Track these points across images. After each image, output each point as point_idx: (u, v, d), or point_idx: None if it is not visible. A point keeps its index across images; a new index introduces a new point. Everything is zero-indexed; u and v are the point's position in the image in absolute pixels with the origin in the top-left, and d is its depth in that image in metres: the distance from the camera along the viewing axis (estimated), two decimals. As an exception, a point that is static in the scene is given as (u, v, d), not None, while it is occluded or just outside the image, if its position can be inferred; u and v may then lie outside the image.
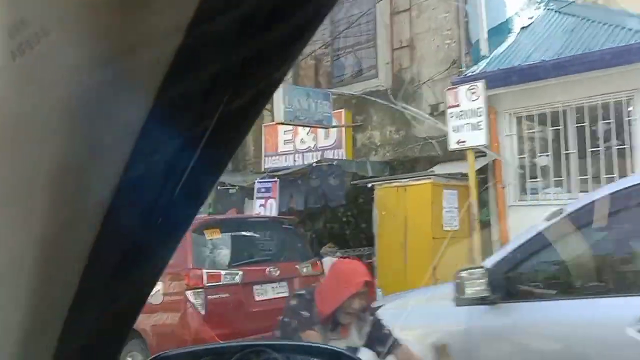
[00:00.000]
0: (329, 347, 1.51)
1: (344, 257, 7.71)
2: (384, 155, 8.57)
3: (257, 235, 6.40)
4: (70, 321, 0.47)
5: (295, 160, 9.81)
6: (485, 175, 7.54)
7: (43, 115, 0.37)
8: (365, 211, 8.33)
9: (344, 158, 8.73)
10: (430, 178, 6.53)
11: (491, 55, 7.52)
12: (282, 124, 7.93)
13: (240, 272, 5.75)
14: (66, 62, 0.34)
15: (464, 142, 6.23)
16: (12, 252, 0.44)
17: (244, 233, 6.27)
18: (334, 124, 8.71)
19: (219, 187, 9.54)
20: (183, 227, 0.52)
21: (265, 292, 5.98)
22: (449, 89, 6.38)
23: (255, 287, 5.89)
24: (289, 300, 2.73)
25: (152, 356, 1.01)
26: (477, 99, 6.13)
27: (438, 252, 6.52)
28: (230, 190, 9.47)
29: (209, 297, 5.48)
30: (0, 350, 0.48)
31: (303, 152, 9.69)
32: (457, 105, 6.26)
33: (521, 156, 7.39)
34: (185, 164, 0.43)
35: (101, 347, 0.54)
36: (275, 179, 8.66)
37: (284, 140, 10.02)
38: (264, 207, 8.58)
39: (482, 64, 7.40)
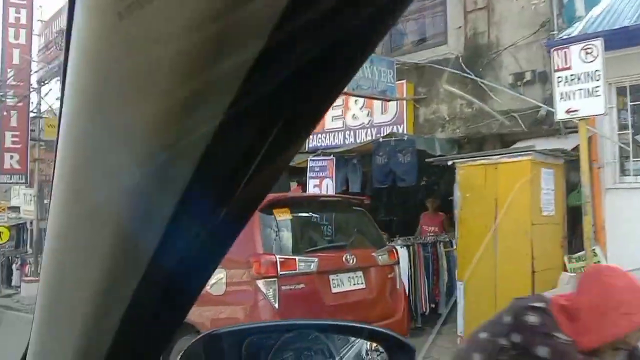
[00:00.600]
0: (377, 328, 1.32)
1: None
2: (453, 131, 7.62)
3: (327, 217, 5.49)
4: (131, 308, 0.48)
5: (345, 139, 8.87)
6: (578, 153, 6.59)
7: (139, 83, 0.36)
8: (437, 193, 7.45)
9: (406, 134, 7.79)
10: (530, 154, 5.57)
11: (588, 16, 6.55)
12: (346, 94, 6.97)
13: (316, 259, 4.85)
14: (170, 25, 0.33)
15: (575, 111, 5.27)
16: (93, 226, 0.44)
17: (314, 214, 5.35)
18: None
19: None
20: (244, 220, 0.49)
21: (342, 283, 5.08)
22: (556, 49, 5.42)
23: (331, 276, 4.99)
24: (522, 315, 1.77)
25: (203, 333, 0.97)
26: (593, 61, 5.16)
27: (538, 240, 5.60)
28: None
29: (283, 287, 4.58)
30: (69, 332, 0.51)
31: (355, 129, 8.75)
32: (568, 68, 5.30)
33: (622, 132, 6.44)
34: (259, 149, 0.41)
35: (156, 336, 0.55)
36: (332, 156, 7.74)
37: (332, 117, 9.06)
38: (319, 187, 7.68)
39: (579, 26, 6.43)
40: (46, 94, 17.26)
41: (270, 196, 5.44)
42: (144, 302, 0.48)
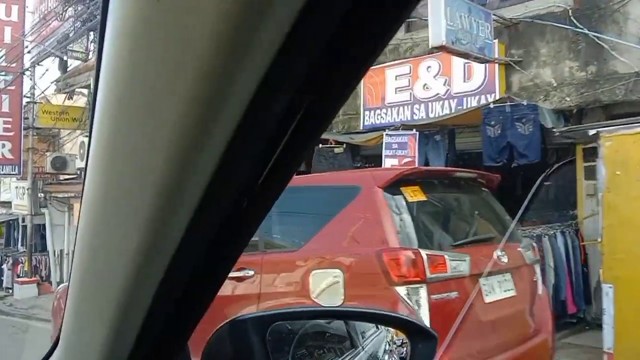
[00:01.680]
0: (399, 315, 1.34)
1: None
2: (561, 100, 6.27)
3: (464, 200, 4.12)
4: (158, 295, 0.49)
5: (413, 114, 7.49)
6: None
7: (173, 67, 0.36)
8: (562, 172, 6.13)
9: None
10: None
11: None
12: (443, 49, 5.57)
13: (468, 257, 3.46)
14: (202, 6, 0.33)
15: None
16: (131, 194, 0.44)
17: (449, 195, 3.97)
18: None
19: (320, 145, 7.23)
20: (269, 204, 0.49)
21: (493, 290, 3.70)
22: None
23: (481, 281, 3.61)
24: None
25: (229, 319, 0.93)
26: None
27: None
28: (336, 150, 7.16)
29: (432, 297, 3.20)
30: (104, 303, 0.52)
31: (427, 102, 7.36)
32: None
33: None
34: (284, 133, 0.41)
35: (181, 323, 0.56)
36: (414, 131, 6.36)
37: (396, 88, 7.68)
38: (399, 169, 6.29)
39: None
40: (42, 75, 15.66)
41: (396, 170, 4.06)
42: (171, 289, 0.50)
